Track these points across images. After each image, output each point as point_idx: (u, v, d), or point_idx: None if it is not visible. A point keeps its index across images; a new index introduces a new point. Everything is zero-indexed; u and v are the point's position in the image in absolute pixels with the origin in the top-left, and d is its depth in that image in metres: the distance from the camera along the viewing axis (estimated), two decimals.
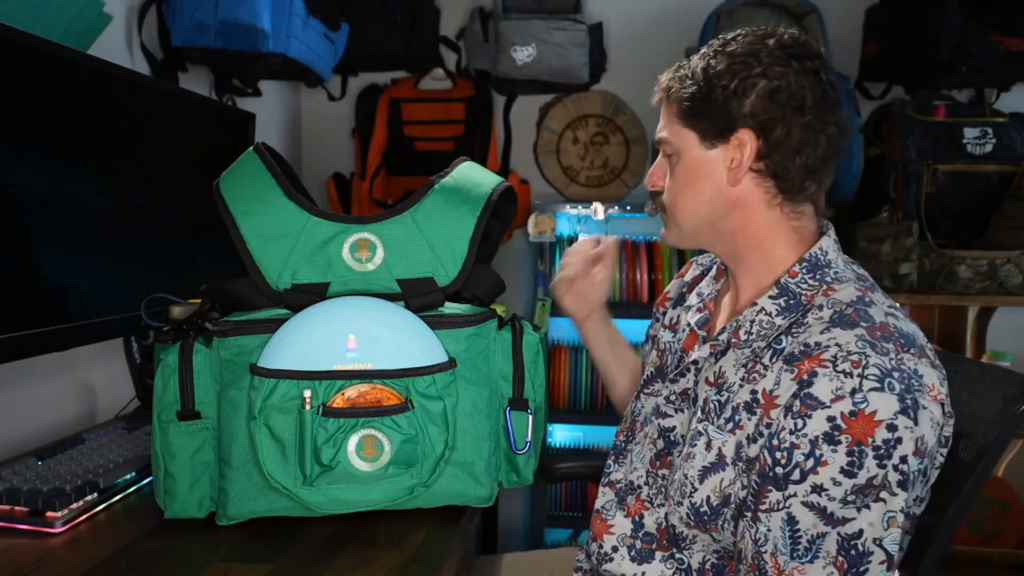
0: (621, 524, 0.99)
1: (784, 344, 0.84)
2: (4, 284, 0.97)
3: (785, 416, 0.79)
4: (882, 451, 0.74)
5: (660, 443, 0.97)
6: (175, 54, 1.65)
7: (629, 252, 2.30)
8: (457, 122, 2.45)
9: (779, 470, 0.78)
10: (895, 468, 0.74)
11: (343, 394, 0.86)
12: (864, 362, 0.76)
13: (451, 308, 0.93)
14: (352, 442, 0.86)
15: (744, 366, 0.87)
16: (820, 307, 0.85)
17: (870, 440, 0.74)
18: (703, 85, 0.88)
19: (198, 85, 1.80)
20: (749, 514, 0.81)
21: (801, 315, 0.85)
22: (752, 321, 0.89)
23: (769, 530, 0.79)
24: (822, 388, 0.76)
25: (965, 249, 2.01)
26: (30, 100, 1.00)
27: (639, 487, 0.99)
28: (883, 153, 2.13)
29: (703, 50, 0.92)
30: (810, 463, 0.76)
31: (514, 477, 1.01)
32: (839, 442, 0.75)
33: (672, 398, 0.98)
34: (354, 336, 0.87)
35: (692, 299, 1.06)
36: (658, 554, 0.95)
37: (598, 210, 2.24)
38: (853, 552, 0.75)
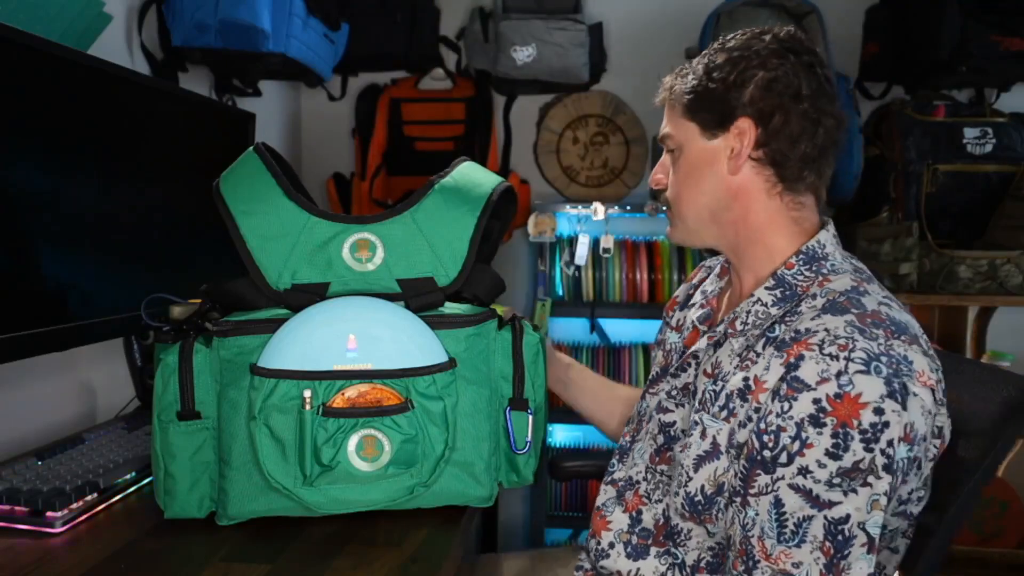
0: (619, 520, 0.99)
1: (777, 332, 0.85)
2: (4, 284, 0.97)
3: (772, 400, 0.80)
4: (869, 435, 0.75)
5: (660, 438, 0.98)
6: (175, 54, 1.65)
7: (629, 252, 2.30)
8: (457, 122, 2.45)
9: (767, 453, 0.79)
10: (882, 452, 0.75)
11: (343, 394, 0.86)
12: (851, 346, 0.77)
13: (451, 308, 0.93)
14: (352, 442, 0.86)
15: (739, 355, 0.88)
16: (814, 296, 0.86)
17: (855, 423, 0.75)
18: (703, 78, 0.92)
19: (198, 85, 1.80)
20: (738, 499, 0.82)
21: (795, 304, 0.87)
22: (748, 312, 0.90)
23: (757, 514, 0.79)
24: (808, 371, 0.77)
25: (965, 249, 2.01)
26: (30, 100, 1.00)
27: (638, 482, 1.00)
28: (883, 153, 2.13)
29: (704, 53, 0.96)
30: (796, 445, 0.77)
31: (514, 477, 1.01)
32: (824, 424, 0.76)
33: (673, 393, 0.99)
34: (354, 336, 0.87)
35: (696, 297, 1.08)
36: (653, 550, 0.95)
37: (598, 210, 2.24)
38: (840, 537, 0.75)
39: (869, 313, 0.81)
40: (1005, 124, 2.06)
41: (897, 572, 0.95)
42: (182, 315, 1.16)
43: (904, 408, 0.75)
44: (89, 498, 0.93)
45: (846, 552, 0.75)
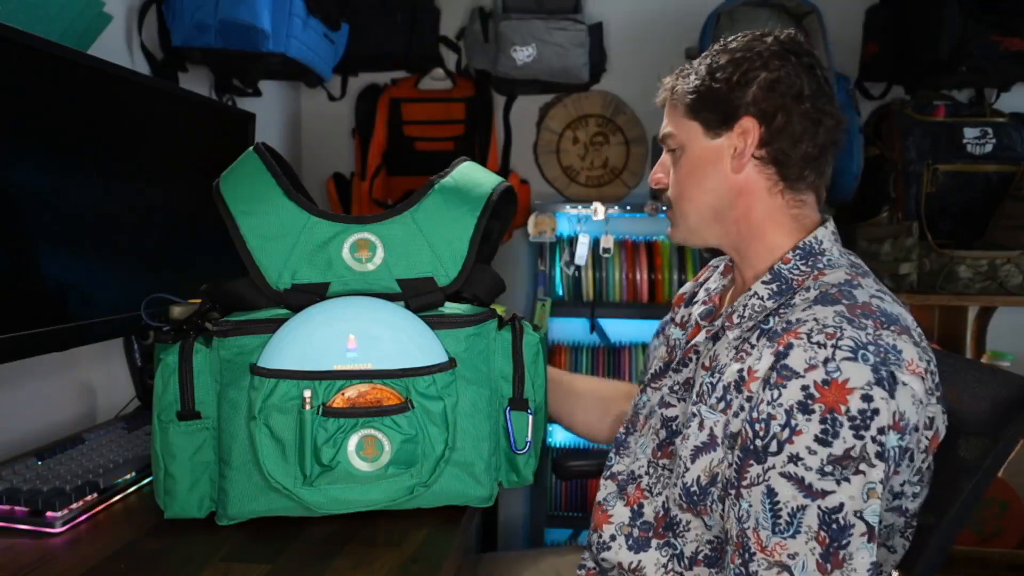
0: (620, 513, 1.00)
1: (771, 323, 0.87)
2: (4, 284, 0.97)
3: (763, 389, 0.81)
4: (858, 422, 0.75)
5: (663, 433, 0.99)
6: (175, 54, 1.65)
7: (629, 252, 2.30)
8: (457, 122, 2.45)
9: (758, 442, 0.80)
10: (873, 440, 0.75)
11: (343, 394, 0.86)
12: (838, 334, 0.78)
13: (451, 308, 0.93)
14: (352, 442, 0.86)
15: (735, 348, 0.90)
16: (807, 289, 0.88)
17: (843, 409, 0.75)
18: (706, 78, 0.93)
19: (198, 85, 1.80)
20: (733, 492, 0.83)
21: (789, 297, 0.88)
22: (745, 305, 0.92)
23: (751, 506, 0.80)
24: (796, 359, 0.79)
25: (965, 249, 2.01)
26: (30, 100, 1.00)
27: (639, 476, 1.01)
28: (883, 153, 2.13)
29: (705, 54, 0.97)
30: (786, 433, 0.78)
31: (514, 477, 1.01)
32: (813, 411, 0.76)
33: (675, 388, 1.00)
34: (354, 336, 0.87)
35: (700, 295, 1.10)
36: (654, 542, 0.96)
37: (598, 210, 2.24)
38: (835, 526, 0.76)
39: (859, 304, 0.83)
40: (1005, 124, 2.06)
41: (896, 573, 0.95)
42: (182, 315, 1.16)
43: (892, 396, 0.76)
44: (89, 498, 0.93)
45: (844, 542, 0.76)
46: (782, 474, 0.78)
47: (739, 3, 2.08)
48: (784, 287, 0.90)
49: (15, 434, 1.20)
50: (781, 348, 0.80)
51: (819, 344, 0.78)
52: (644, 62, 2.41)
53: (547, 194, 2.53)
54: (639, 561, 0.96)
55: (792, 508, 0.77)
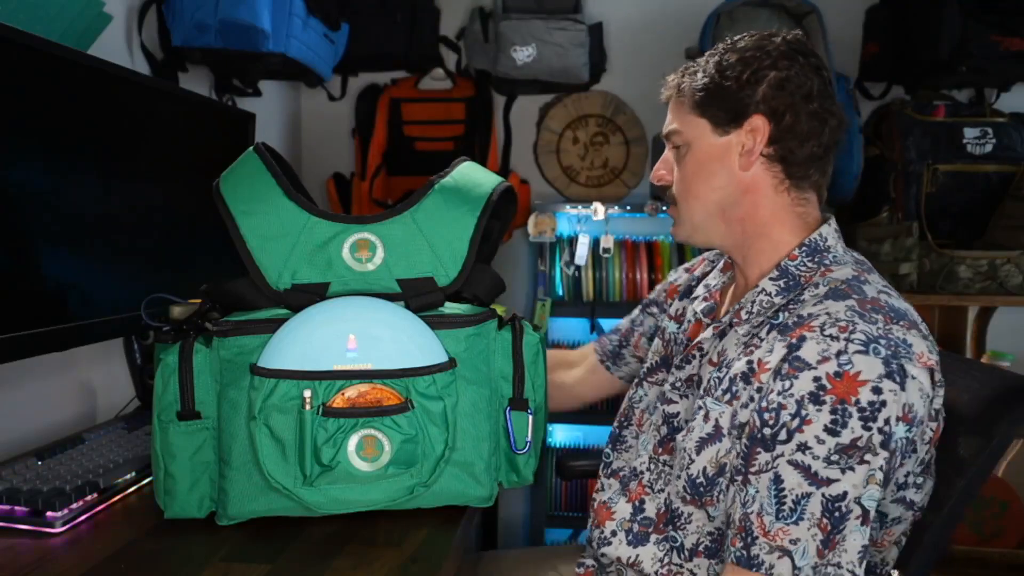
0: (622, 509, 1.01)
1: (781, 319, 0.88)
2: (4, 284, 0.97)
3: (774, 379, 0.82)
4: (867, 413, 0.77)
5: (664, 429, 1.00)
6: (175, 54, 1.65)
7: (629, 252, 2.30)
8: (457, 122, 2.45)
9: (767, 431, 0.81)
10: (879, 430, 0.77)
11: (343, 394, 0.86)
12: (851, 328, 0.80)
13: (451, 308, 0.93)
14: (352, 442, 0.86)
15: (743, 343, 0.91)
16: (816, 285, 0.89)
17: (853, 399, 0.77)
18: (716, 76, 0.94)
19: (198, 85, 1.80)
20: (740, 478, 0.84)
21: (798, 293, 0.90)
22: (753, 302, 0.93)
23: (757, 491, 0.81)
24: (809, 350, 0.80)
25: (965, 249, 2.01)
26: (30, 100, 1.00)
27: (641, 473, 1.01)
28: (883, 153, 2.12)
29: (711, 51, 0.98)
30: (796, 422, 0.79)
31: (514, 477, 1.01)
32: (824, 401, 0.78)
33: (677, 384, 1.01)
34: (354, 336, 0.87)
35: (699, 290, 1.11)
36: (653, 537, 0.97)
37: (598, 210, 2.24)
38: (836, 514, 0.77)
39: (869, 300, 0.84)
40: (1005, 124, 2.06)
41: (896, 572, 0.95)
42: (182, 315, 1.16)
43: (903, 388, 0.78)
44: (89, 498, 0.93)
45: (842, 527, 0.77)
46: (790, 462, 0.79)
47: (739, 3, 2.08)
48: (792, 283, 0.91)
49: (15, 434, 1.20)
50: (794, 341, 0.82)
51: (832, 337, 0.80)
52: (644, 62, 2.41)
53: (547, 194, 2.53)
54: (637, 555, 0.97)
55: (797, 495, 0.78)
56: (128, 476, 1.00)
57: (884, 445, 0.77)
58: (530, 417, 0.98)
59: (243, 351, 0.88)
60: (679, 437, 0.96)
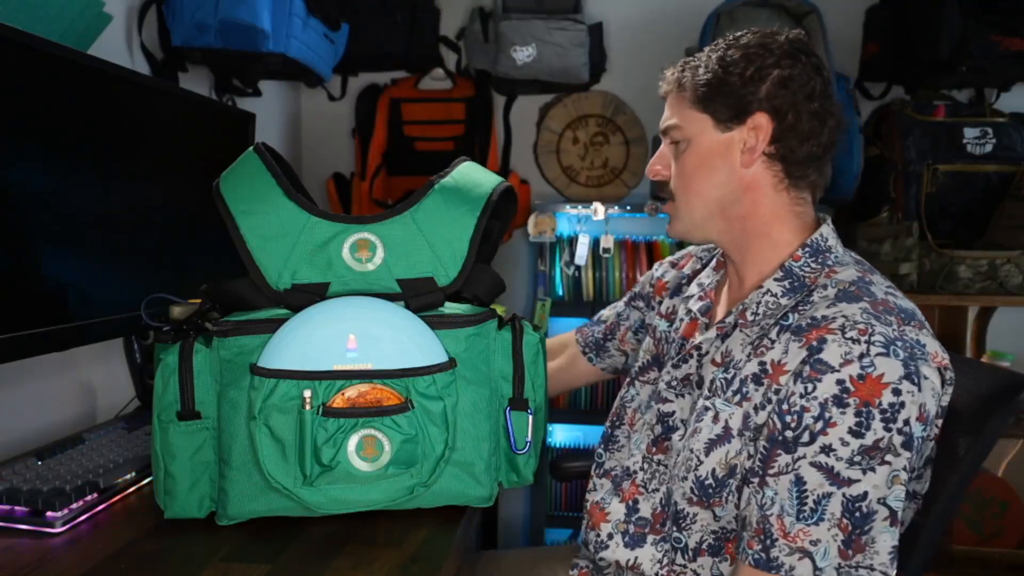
0: (616, 510, 1.01)
1: (791, 320, 0.88)
2: (4, 284, 0.97)
3: (795, 381, 0.82)
4: (888, 414, 0.77)
5: (658, 428, 1.00)
6: (175, 54, 1.65)
7: (629, 252, 2.30)
8: (457, 122, 2.45)
9: (788, 433, 0.81)
10: (899, 431, 0.78)
11: (343, 394, 0.86)
12: (870, 330, 0.80)
13: (451, 308, 0.93)
14: (352, 442, 0.86)
15: (751, 344, 0.91)
16: (824, 287, 0.89)
17: (877, 402, 0.78)
18: (720, 72, 0.93)
19: (198, 85, 1.80)
20: (756, 480, 0.84)
21: (806, 295, 0.90)
22: (758, 303, 0.93)
23: (776, 493, 0.81)
24: (831, 353, 0.80)
25: (965, 249, 2.01)
26: (30, 100, 1.00)
27: (634, 472, 1.01)
28: (883, 153, 2.13)
29: (712, 46, 0.97)
30: (819, 425, 0.79)
31: (514, 477, 1.00)
32: (848, 404, 0.78)
33: (673, 383, 1.00)
34: (354, 336, 0.87)
35: (692, 289, 1.10)
36: (650, 537, 0.97)
37: (598, 210, 2.24)
38: (858, 514, 0.78)
39: (880, 301, 0.85)
40: (1005, 124, 2.06)
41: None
42: (182, 315, 1.16)
43: (920, 389, 0.79)
44: (89, 498, 0.93)
45: (867, 527, 0.78)
46: (812, 464, 0.79)
47: (739, 3, 2.08)
48: (797, 284, 0.91)
49: (15, 434, 1.20)
50: (814, 343, 0.82)
51: (853, 340, 0.80)
52: (644, 62, 2.41)
53: (547, 194, 2.53)
54: (635, 558, 0.96)
55: (818, 496, 0.79)
56: (128, 476, 1.00)
57: (906, 446, 0.78)
58: (530, 417, 0.98)
59: (243, 351, 0.88)
60: (676, 437, 0.97)
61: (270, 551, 0.83)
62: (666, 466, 0.97)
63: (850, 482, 0.78)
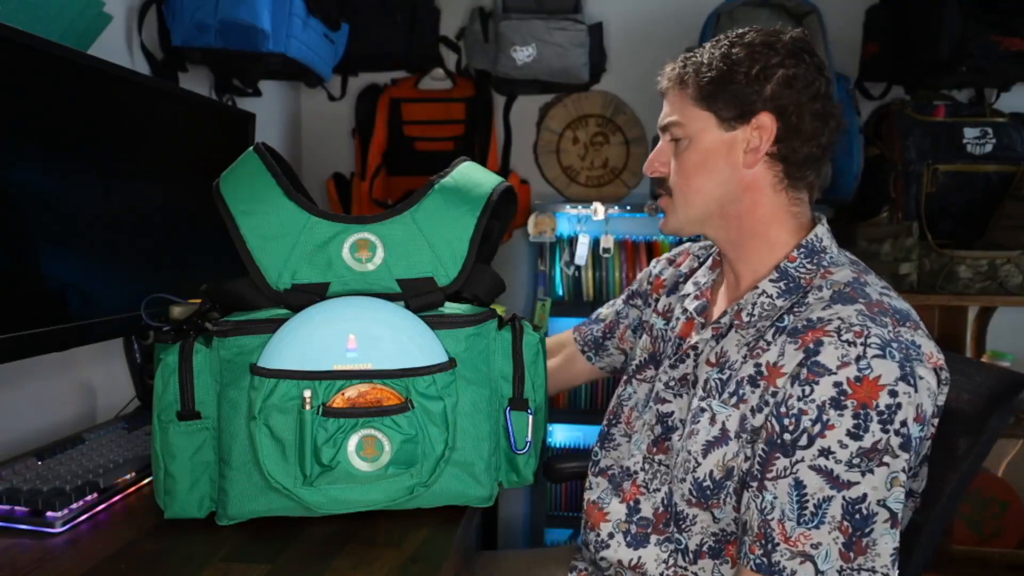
0: (616, 510, 1.00)
1: (786, 322, 0.88)
2: (4, 284, 0.97)
3: (792, 384, 0.82)
4: (885, 416, 0.77)
5: (658, 428, 1.00)
6: (175, 54, 1.65)
7: (629, 252, 2.30)
8: (457, 122, 2.45)
9: (787, 436, 0.81)
10: (896, 432, 0.78)
11: (343, 394, 0.86)
12: (866, 332, 0.80)
13: (451, 308, 0.93)
14: (352, 442, 0.86)
15: (747, 345, 0.91)
16: (819, 288, 0.89)
17: (874, 403, 0.78)
18: (724, 69, 0.92)
19: (198, 85, 1.80)
20: (755, 484, 0.83)
21: (802, 296, 0.90)
22: (754, 303, 0.92)
23: (776, 497, 0.81)
24: (828, 356, 0.80)
25: (965, 249, 2.01)
26: (30, 100, 1.00)
27: (635, 472, 1.01)
28: (883, 153, 2.12)
29: (715, 42, 0.96)
30: (817, 427, 0.79)
31: (514, 477, 1.00)
32: (845, 406, 0.78)
33: (671, 384, 1.00)
34: (354, 336, 0.87)
35: (689, 287, 1.09)
36: (653, 537, 0.96)
37: (598, 210, 2.24)
38: (858, 516, 0.78)
39: (875, 303, 0.85)
40: (1005, 124, 2.06)
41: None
42: (182, 315, 1.16)
43: (916, 390, 0.79)
44: (89, 498, 0.93)
45: (867, 530, 0.78)
46: (811, 467, 0.79)
47: (739, 3, 2.08)
48: (792, 285, 0.91)
49: (15, 434, 1.20)
50: (810, 345, 0.82)
51: (849, 342, 0.80)
52: (644, 62, 2.40)
53: (547, 194, 2.53)
54: (639, 558, 0.96)
55: (819, 499, 0.79)
56: (128, 476, 1.00)
57: (904, 447, 0.78)
58: (530, 417, 0.98)
59: (243, 351, 0.88)
60: (675, 437, 0.96)
61: (270, 551, 0.83)
62: (667, 466, 0.97)
63: (849, 484, 0.78)
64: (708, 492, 0.89)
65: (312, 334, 0.86)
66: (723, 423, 0.89)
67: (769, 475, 0.82)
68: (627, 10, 2.44)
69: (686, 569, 0.93)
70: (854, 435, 0.78)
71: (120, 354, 1.39)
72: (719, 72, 0.92)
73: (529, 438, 0.98)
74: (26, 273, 1.02)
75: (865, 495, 0.78)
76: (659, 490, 0.98)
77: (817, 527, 0.78)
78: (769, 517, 0.81)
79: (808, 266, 0.92)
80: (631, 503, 0.99)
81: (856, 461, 0.78)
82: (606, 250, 2.26)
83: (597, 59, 2.35)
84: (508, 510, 2.51)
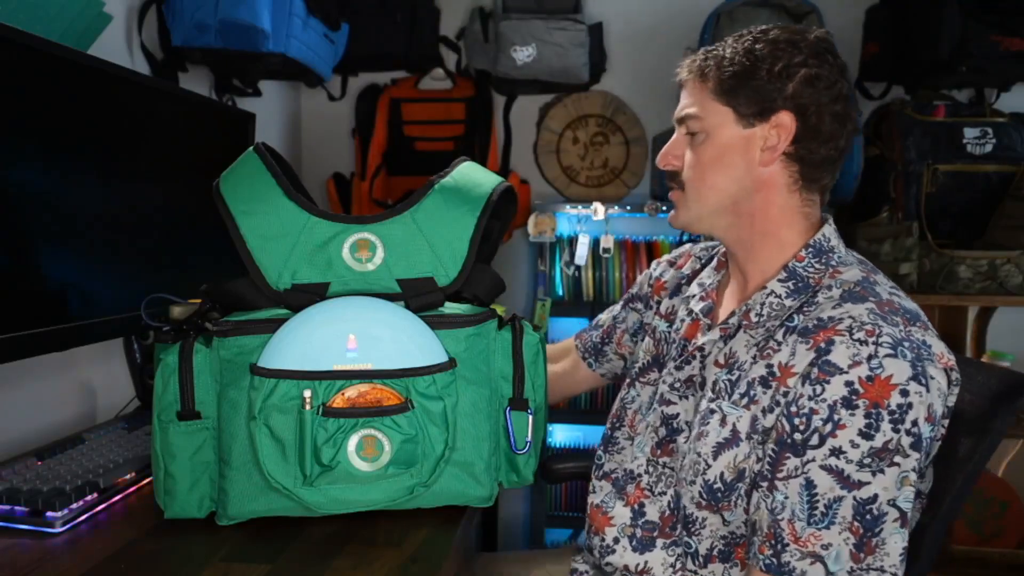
0: (620, 514, 1.00)
1: (796, 322, 0.87)
2: (4, 284, 0.97)
3: (803, 384, 0.81)
4: (896, 415, 0.77)
5: (663, 431, 0.99)
6: (175, 54, 1.65)
7: (629, 252, 2.30)
8: (457, 122, 2.45)
9: (797, 436, 0.81)
10: (907, 432, 0.77)
11: (343, 394, 0.86)
12: (878, 331, 0.80)
13: (451, 308, 0.93)
14: (352, 442, 0.86)
15: (756, 345, 0.90)
16: (829, 287, 0.88)
17: (886, 403, 0.77)
18: (747, 64, 0.90)
19: (198, 85, 1.80)
20: (765, 484, 0.83)
21: (811, 296, 0.89)
22: (762, 304, 0.92)
23: (786, 497, 0.80)
24: (840, 355, 0.80)
25: (965, 249, 2.01)
26: (30, 100, 1.00)
27: (639, 476, 1.00)
28: (883, 153, 2.13)
29: (737, 36, 0.94)
30: (828, 427, 0.79)
31: (514, 477, 1.00)
32: (857, 406, 0.78)
33: (677, 385, 0.99)
34: (354, 336, 0.87)
35: (693, 289, 1.08)
36: (659, 541, 0.96)
37: (598, 210, 2.24)
38: (868, 517, 0.77)
39: (885, 302, 0.84)
40: (1005, 124, 2.06)
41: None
42: (182, 315, 1.16)
43: (927, 390, 0.78)
44: (89, 498, 0.93)
45: (877, 529, 0.77)
46: (822, 467, 0.79)
47: (739, 3, 2.08)
48: (801, 285, 0.91)
49: (15, 434, 1.20)
50: (822, 345, 0.81)
51: (861, 341, 0.79)
52: (644, 62, 2.41)
53: (547, 194, 2.53)
54: (645, 562, 0.95)
55: (829, 499, 0.78)
56: (128, 476, 1.00)
57: (915, 447, 0.78)
58: (530, 417, 0.98)
59: (243, 351, 0.88)
60: (680, 439, 0.96)
61: (270, 551, 0.83)
62: (672, 469, 0.96)
63: (860, 484, 0.77)
64: (719, 494, 0.88)
65: (312, 334, 0.86)
66: (733, 424, 0.88)
67: (779, 475, 0.81)
68: (627, 10, 2.44)
69: (695, 573, 0.92)
70: (865, 435, 0.77)
71: (120, 354, 1.39)
72: (741, 67, 0.90)
73: (529, 438, 0.98)
74: (26, 273, 1.02)
75: (876, 495, 0.77)
76: (664, 493, 0.97)
77: (827, 527, 0.78)
78: (779, 517, 0.80)
79: (817, 265, 0.91)
80: (635, 507, 0.99)
81: (867, 461, 0.77)
82: (606, 250, 2.26)
83: (597, 59, 2.35)
84: (508, 510, 2.51)
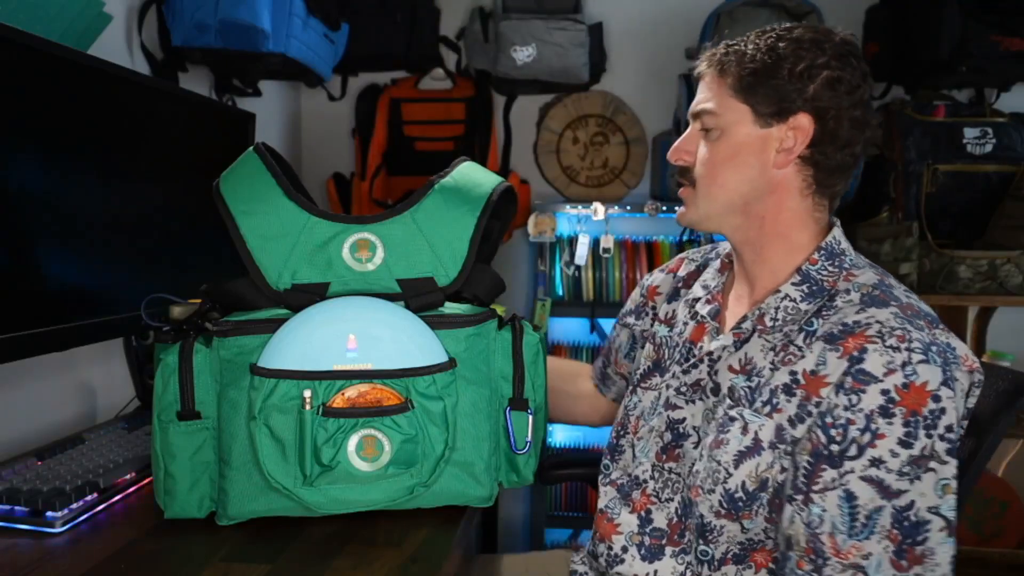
0: (627, 521, 0.98)
1: (816, 326, 0.86)
2: (4, 284, 0.97)
3: (837, 393, 0.80)
4: (929, 421, 0.76)
5: (668, 435, 0.97)
6: (175, 54, 1.65)
7: (629, 252, 2.30)
8: (457, 122, 2.45)
9: (834, 447, 0.79)
10: (941, 437, 0.77)
11: (343, 394, 0.86)
12: (908, 336, 0.79)
13: (451, 308, 0.93)
14: (352, 442, 0.86)
15: (773, 350, 0.88)
16: (847, 291, 0.87)
17: (923, 410, 0.76)
18: (769, 63, 0.88)
19: (198, 85, 1.80)
20: (800, 497, 0.81)
21: (828, 299, 0.88)
22: (777, 308, 0.90)
23: (824, 510, 0.79)
24: (874, 363, 0.78)
25: (965, 249, 2.01)
26: (30, 100, 1.00)
27: (644, 482, 0.99)
28: (883, 153, 2.12)
29: (760, 32, 0.92)
30: (867, 437, 0.78)
31: (514, 477, 1.00)
32: (894, 414, 0.77)
33: (683, 390, 0.98)
34: (354, 336, 0.87)
35: (697, 291, 1.06)
36: (668, 549, 0.94)
37: (598, 210, 2.24)
38: (906, 523, 0.76)
39: (905, 305, 0.84)
40: (1005, 124, 2.06)
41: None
42: (182, 315, 1.16)
43: (955, 393, 0.78)
44: (89, 498, 0.93)
45: (920, 538, 0.76)
46: (862, 477, 0.78)
47: (739, 3, 2.08)
48: (816, 289, 0.89)
49: (15, 434, 1.20)
50: (854, 353, 0.80)
51: (894, 348, 0.78)
52: (644, 62, 2.41)
53: (547, 194, 2.53)
54: (655, 571, 0.94)
55: (870, 510, 0.77)
56: (128, 476, 1.00)
57: (950, 452, 0.77)
58: (530, 417, 0.98)
59: (243, 351, 0.88)
60: (688, 444, 0.94)
61: (270, 551, 0.83)
62: (679, 474, 0.95)
63: (899, 493, 0.76)
64: (740, 503, 0.86)
65: (312, 334, 0.86)
66: (756, 433, 0.86)
67: (816, 488, 0.80)
68: (627, 10, 2.44)
69: None
70: (905, 443, 0.76)
71: (120, 354, 1.39)
72: (762, 64, 0.88)
73: (529, 438, 0.98)
74: (26, 273, 1.02)
75: (913, 502, 0.76)
76: (671, 500, 0.95)
77: (867, 538, 0.77)
78: (818, 531, 0.79)
79: (830, 268, 0.90)
80: (642, 513, 0.97)
81: (906, 470, 0.76)
82: (606, 250, 2.26)
83: (597, 59, 2.35)
84: (508, 510, 2.51)
